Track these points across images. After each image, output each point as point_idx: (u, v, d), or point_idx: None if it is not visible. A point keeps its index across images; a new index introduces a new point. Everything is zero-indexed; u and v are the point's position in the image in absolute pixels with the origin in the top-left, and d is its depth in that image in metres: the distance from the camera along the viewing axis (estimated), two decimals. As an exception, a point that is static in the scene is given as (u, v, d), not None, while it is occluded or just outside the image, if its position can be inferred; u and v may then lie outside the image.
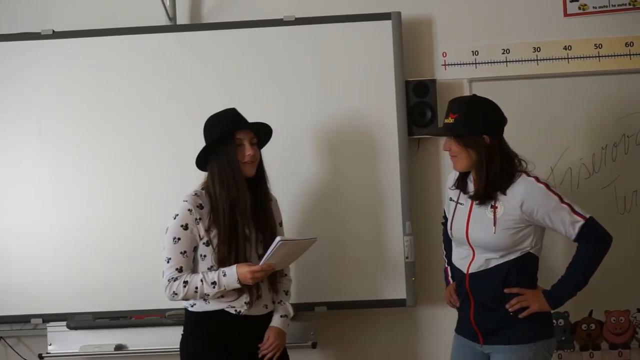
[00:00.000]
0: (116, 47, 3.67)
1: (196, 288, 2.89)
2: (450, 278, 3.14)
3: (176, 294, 2.92)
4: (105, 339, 3.60)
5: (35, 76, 3.68)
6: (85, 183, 3.65)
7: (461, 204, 2.96)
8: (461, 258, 2.97)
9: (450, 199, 3.03)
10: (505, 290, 2.85)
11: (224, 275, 2.87)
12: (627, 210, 3.67)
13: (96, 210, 3.64)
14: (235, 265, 2.88)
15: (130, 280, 3.60)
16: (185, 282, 2.90)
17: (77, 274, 3.62)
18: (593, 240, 2.83)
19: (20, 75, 3.69)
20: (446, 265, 3.18)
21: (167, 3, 3.73)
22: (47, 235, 3.64)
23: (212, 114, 3.03)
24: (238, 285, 2.87)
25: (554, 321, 3.64)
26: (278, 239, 2.80)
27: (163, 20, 3.75)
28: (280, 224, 3.15)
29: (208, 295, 2.90)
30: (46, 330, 3.64)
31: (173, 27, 3.73)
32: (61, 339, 3.62)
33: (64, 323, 3.59)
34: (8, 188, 3.67)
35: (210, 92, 3.63)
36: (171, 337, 3.48)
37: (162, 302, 3.48)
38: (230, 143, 2.92)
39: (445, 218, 3.20)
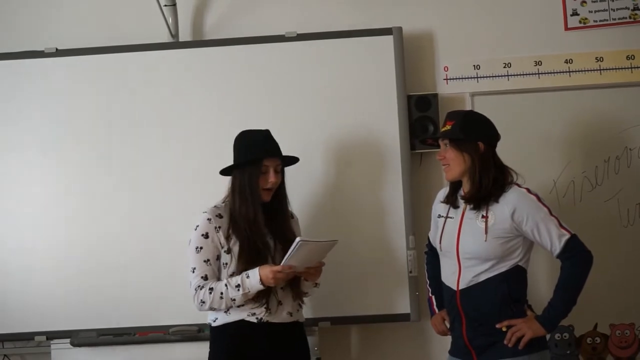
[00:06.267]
0: (119, 64, 3.69)
1: (221, 293, 2.93)
2: (435, 307, 3.16)
3: (203, 302, 2.96)
4: (109, 356, 3.58)
5: (38, 94, 3.70)
6: (88, 200, 3.65)
7: (451, 217, 3.00)
8: (449, 274, 2.98)
9: (439, 216, 3.06)
10: (497, 326, 2.87)
11: (247, 277, 2.92)
12: (631, 223, 3.67)
13: (99, 227, 3.64)
14: (258, 267, 2.92)
15: (134, 296, 3.59)
16: (211, 289, 2.95)
17: (80, 290, 3.61)
18: (576, 258, 2.86)
19: (24, 93, 3.70)
20: (430, 295, 3.19)
21: (170, 20, 3.75)
22: (51, 253, 3.64)
23: (246, 129, 3.10)
24: (261, 287, 2.90)
25: (559, 335, 3.63)
26: (298, 239, 2.82)
27: (165, 37, 3.77)
28: None
29: (234, 300, 2.93)
30: (50, 348, 3.62)
31: (175, 44, 3.75)
32: (65, 356, 3.60)
33: (68, 340, 3.58)
34: (11, 205, 3.67)
35: (213, 108, 3.65)
36: (175, 354, 3.49)
37: (166, 318, 3.51)
38: (256, 168, 3.00)
39: (429, 247, 3.24)
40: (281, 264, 2.89)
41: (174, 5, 3.73)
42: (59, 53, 3.71)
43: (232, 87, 3.67)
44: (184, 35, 3.83)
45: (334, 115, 3.64)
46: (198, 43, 3.77)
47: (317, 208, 3.60)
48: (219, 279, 3.00)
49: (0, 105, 3.71)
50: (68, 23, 3.87)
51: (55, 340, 3.61)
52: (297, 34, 3.67)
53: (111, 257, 3.62)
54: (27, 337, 3.66)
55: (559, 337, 3.64)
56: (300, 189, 3.56)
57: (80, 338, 3.58)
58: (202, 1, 3.88)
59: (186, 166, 3.64)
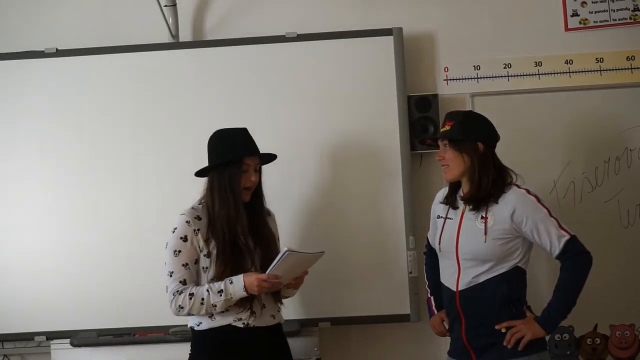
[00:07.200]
0: (119, 64, 3.69)
1: (202, 299, 2.87)
2: (434, 308, 3.16)
3: (182, 308, 2.90)
4: (109, 356, 3.58)
5: (38, 94, 3.70)
6: (87, 200, 3.66)
7: (450, 218, 2.99)
8: (449, 275, 2.98)
9: (438, 216, 3.06)
10: (497, 327, 2.87)
11: (231, 283, 2.87)
12: (631, 224, 3.67)
13: (98, 227, 3.64)
14: (242, 274, 2.88)
15: (134, 297, 3.59)
16: (191, 295, 2.89)
17: (80, 291, 3.62)
18: (576, 259, 2.85)
19: (24, 93, 3.70)
20: (429, 296, 3.19)
21: (170, 20, 3.75)
22: (50, 253, 3.64)
23: (220, 128, 3.05)
24: (244, 294, 2.86)
25: (559, 336, 3.63)
26: (285, 249, 2.78)
27: (166, 38, 3.77)
28: (277, 240, 3.14)
29: (215, 306, 2.88)
30: (50, 348, 3.62)
31: (176, 45, 3.75)
32: (65, 357, 3.60)
33: (68, 340, 3.58)
34: (10, 205, 3.68)
35: (213, 108, 3.65)
36: (175, 354, 3.48)
37: (166, 318, 3.48)
38: (237, 167, 2.94)
39: (428, 248, 3.24)
40: (266, 272, 2.85)
41: (174, 5, 3.74)
42: (59, 53, 3.71)
43: (233, 88, 3.67)
44: (185, 35, 3.83)
45: (334, 115, 3.64)
46: (198, 43, 3.77)
47: (317, 208, 3.60)
48: (197, 283, 2.95)
49: (0, 105, 3.71)
50: (68, 23, 3.87)
51: (55, 341, 3.62)
52: (298, 35, 3.67)
53: (111, 257, 3.63)
54: (27, 337, 3.66)
55: (558, 337, 3.64)
56: (300, 189, 3.57)
57: (80, 338, 3.58)
58: (202, 1, 3.88)
59: (186, 166, 3.61)
